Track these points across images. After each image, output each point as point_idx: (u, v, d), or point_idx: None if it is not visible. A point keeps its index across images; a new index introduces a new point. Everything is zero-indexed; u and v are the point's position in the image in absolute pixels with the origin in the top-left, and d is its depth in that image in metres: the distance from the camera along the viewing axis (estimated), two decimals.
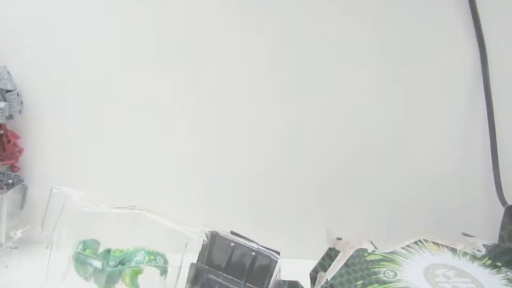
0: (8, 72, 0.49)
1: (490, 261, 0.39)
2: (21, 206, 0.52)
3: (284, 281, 0.41)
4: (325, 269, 0.41)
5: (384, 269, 0.37)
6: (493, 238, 0.44)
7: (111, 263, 0.40)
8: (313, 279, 0.42)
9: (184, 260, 0.39)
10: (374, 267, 0.38)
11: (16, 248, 0.52)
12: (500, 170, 0.52)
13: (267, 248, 0.40)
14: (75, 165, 0.54)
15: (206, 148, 0.54)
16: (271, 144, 0.54)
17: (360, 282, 0.37)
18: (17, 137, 0.52)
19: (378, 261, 0.39)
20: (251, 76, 0.52)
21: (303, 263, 0.43)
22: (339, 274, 0.38)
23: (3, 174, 0.51)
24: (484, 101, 0.52)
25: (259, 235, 0.41)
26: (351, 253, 0.40)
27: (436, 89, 0.53)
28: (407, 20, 0.51)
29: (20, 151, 0.52)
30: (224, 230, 0.41)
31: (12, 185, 0.51)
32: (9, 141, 0.50)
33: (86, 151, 0.53)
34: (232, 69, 0.52)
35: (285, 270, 0.41)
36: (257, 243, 0.40)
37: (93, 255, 0.41)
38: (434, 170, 0.54)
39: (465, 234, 0.45)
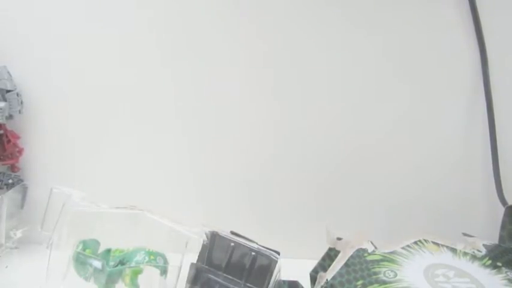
0: (8, 72, 0.49)
1: (490, 261, 0.39)
2: (21, 206, 0.52)
3: (284, 281, 0.40)
4: (325, 269, 0.41)
5: (384, 269, 0.37)
6: (493, 238, 0.44)
7: (111, 263, 0.40)
8: (313, 279, 0.42)
9: (184, 260, 0.39)
10: (374, 267, 0.38)
11: (16, 248, 0.52)
12: (500, 170, 0.51)
13: (267, 248, 0.40)
14: (75, 165, 0.54)
15: (206, 148, 0.54)
16: (271, 144, 0.54)
17: (360, 282, 0.37)
18: (17, 137, 0.52)
19: (378, 261, 0.39)
20: (251, 76, 0.52)
21: (303, 263, 0.43)
22: (339, 274, 0.38)
23: (3, 174, 0.51)
24: (484, 101, 0.52)
25: (259, 235, 0.41)
26: (351, 253, 0.40)
27: (436, 89, 0.53)
28: (408, 20, 0.51)
29: (20, 151, 0.52)
30: (224, 230, 0.41)
31: (12, 185, 0.51)
32: (9, 141, 0.50)
33: (86, 151, 0.53)
34: (232, 69, 0.52)
35: (285, 270, 0.41)
36: (257, 243, 0.40)
37: (93, 255, 0.41)
38: (435, 169, 0.54)
39: (465, 234, 0.45)
